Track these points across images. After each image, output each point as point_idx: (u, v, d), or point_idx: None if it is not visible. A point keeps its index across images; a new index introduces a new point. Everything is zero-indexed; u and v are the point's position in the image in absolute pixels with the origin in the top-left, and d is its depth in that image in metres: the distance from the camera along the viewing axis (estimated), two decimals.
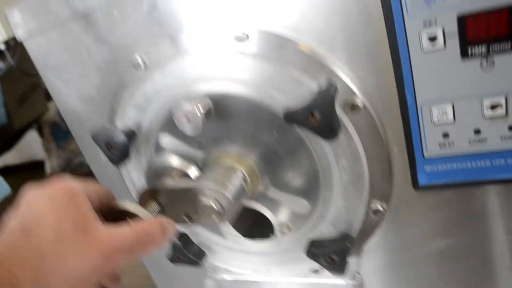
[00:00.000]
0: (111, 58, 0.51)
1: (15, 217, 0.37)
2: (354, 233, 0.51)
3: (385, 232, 0.52)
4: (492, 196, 0.47)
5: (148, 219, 0.44)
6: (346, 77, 0.44)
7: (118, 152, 0.52)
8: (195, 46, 0.47)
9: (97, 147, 0.53)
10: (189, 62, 0.47)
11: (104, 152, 0.53)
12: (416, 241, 0.52)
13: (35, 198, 0.38)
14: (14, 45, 1.76)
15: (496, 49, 0.39)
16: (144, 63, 0.49)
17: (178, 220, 0.49)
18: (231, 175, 0.49)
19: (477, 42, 0.39)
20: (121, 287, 0.46)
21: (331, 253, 0.51)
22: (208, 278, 0.65)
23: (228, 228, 0.58)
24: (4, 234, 0.36)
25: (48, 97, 2.08)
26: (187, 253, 0.58)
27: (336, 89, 0.43)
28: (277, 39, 0.44)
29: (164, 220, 0.44)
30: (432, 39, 0.40)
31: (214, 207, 0.47)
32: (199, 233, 0.60)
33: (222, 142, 0.51)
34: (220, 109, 0.48)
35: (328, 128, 0.43)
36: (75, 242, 0.36)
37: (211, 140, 0.52)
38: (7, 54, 1.75)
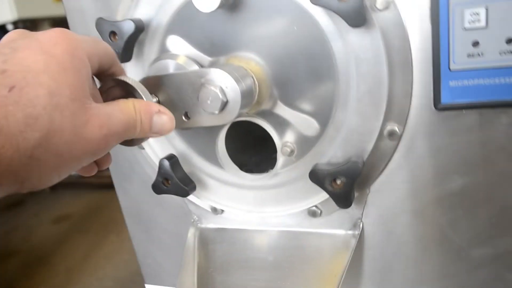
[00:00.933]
0: None
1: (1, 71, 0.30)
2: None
3: (397, 167, 0.48)
4: None
5: (147, 101, 0.40)
6: None
7: (122, 42, 0.48)
8: None
9: None
10: None
11: (107, 42, 0.49)
12: (430, 179, 0.47)
13: (28, 50, 0.31)
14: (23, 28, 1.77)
15: None
16: None
17: (176, 122, 0.44)
18: (241, 71, 0.45)
19: None
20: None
21: (338, 174, 0.46)
22: (191, 226, 0.58)
23: (224, 158, 0.53)
24: None
25: None
26: (175, 176, 0.52)
27: None
28: None
29: (161, 107, 0.39)
30: None
31: (219, 95, 0.43)
32: (190, 161, 0.54)
33: (233, 46, 0.48)
34: (238, 1, 0.46)
35: (357, 13, 0.40)
36: (72, 114, 0.31)
37: (222, 43, 0.48)
38: None
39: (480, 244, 0.48)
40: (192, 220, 0.58)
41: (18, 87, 0.28)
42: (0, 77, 0.29)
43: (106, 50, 0.39)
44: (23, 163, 0.29)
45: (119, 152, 0.58)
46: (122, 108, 0.36)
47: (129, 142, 0.40)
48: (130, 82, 0.40)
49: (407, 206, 0.49)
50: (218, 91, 0.43)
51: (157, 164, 0.53)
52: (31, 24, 1.79)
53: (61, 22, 2.06)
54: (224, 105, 0.43)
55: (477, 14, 0.41)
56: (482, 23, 0.41)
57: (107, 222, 2.31)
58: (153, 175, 0.54)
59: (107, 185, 2.54)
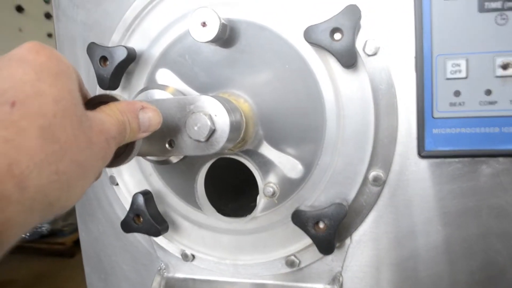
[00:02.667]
0: None
1: None
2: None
3: (380, 215, 0.47)
4: (502, 178, 0.44)
5: (128, 100, 0.38)
6: (367, 19, 0.45)
7: (112, 68, 0.48)
8: None
9: None
10: None
11: (95, 67, 0.49)
12: (413, 229, 0.46)
13: (12, 66, 0.28)
14: None
15: (510, 6, 0.42)
16: None
17: (159, 150, 0.43)
18: (231, 104, 0.45)
19: None
20: None
21: (322, 217, 0.44)
22: (157, 275, 0.53)
23: (202, 197, 0.50)
24: None
25: None
26: (148, 213, 0.49)
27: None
28: None
29: (144, 103, 0.38)
30: None
31: (208, 122, 0.42)
32: (165, 199, 0.52)
33: (223, 82, 0.49)
34: (233, 38, 0.47)
35: (348, 52, 0.42)
36: (79, 120, 0.29)
37: (212, 79, 0.49)
38: None
39: None
40: (159, 268, 0.53)
41: (19, 101, 0.26)
42: None
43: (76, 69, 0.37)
44: (50, 180, 0.26)
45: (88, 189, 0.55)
46: (108, 113, 0.34)
47: (118, 160, 0.38)
48: (112, 95, 0.39)
49: (389, 259, 0.47)
50: (207, 118, 0.42)
51: (129, 201, 0.50)
52: None
53: None
54: (212, 133, 0.42)
55: (458, 65, 0.43)
56: (463, 73, 0.43)
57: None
58: (122, 215, 0.51)
59: (58, 252, 2.36)
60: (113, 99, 0.38)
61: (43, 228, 1.69)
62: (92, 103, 0.38)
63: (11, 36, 1.63)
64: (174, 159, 0.49)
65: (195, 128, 0.42)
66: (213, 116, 0.42)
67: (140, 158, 0.51)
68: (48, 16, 1.74)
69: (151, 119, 0.38)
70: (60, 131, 0.27)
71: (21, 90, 0.27)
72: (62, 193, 0.28)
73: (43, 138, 0.26)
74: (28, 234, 1.68)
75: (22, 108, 0.26)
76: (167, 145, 0.44)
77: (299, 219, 0.45)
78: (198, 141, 0.42)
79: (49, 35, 1.73)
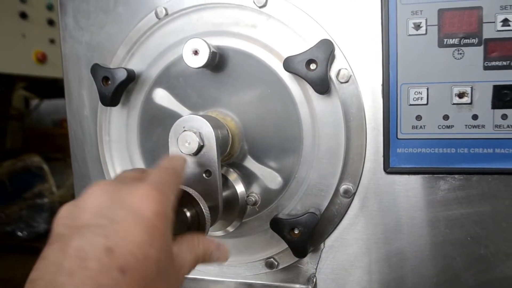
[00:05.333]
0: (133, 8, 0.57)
1: (102, 243, 0.29)
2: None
3: (350, 224, 0.52)
4: (458, 192, 0.50)
5: (208, 238, 0.42)
6: (340, 51, 0.50)
7: (113, 88, 0.54)
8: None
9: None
10: (207, 16, 0.53)
11: (98, 86, 0.54)
12: (380, 237, 0.52)
13: (127, 221, 0.31)
14: None
15: (466, 43, 0.48)
16: (166, 13, 0.55)
17: None
18: (218, 122, 0.51)
19: (451, 34, 0.48)
20: None
21: (296, 224, 0.50)
22: None
23: None
24: (92, 270, 0.27)
25: (2, 157, 2.00)
26: None
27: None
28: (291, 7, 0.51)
29: (219, 241, 0.42)
30: (417, 26, 0.48)
31: (197, 138, 0.47)
32: None
33: (212, 102, 0.54)
34: (222, 63, 0.53)
35: (321, 81, 0.48)
36: (168, 275, 0.33)
37: (203, 99, 0.54)
38: None
39: None
40: None
41: (129, 269, 0.28)
42: (107, 258, 0.28)
43: (182, 177, 0.42)
44: None
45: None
46: (191, 249, 0.38)
47: None
48: (193, 195, 0.44)
49: (358, 262, 0.53)
50: (196, 135, 0.47)
51: None
52: (6, 80, 1.83)
53: (37, 83, 2.10)
54: (200, 148, 0.48)
55: (420, 93, 0.49)
56: (424, 100, 0.49)
57: None
58: None
59: None
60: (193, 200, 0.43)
61: (40, 227, 1.75)
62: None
63: (15, 41, 1.68)
64: None
65: (186, 144, 0.48)
66: (201, 132, 0.48)
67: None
68: (51, 22, 1.79)
69: (220, 257, 0.41)
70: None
71: (133, 255, 0.29)
72: None
73: None
74: (25, 233, 1.74)
75: (130, 276, 0.28)
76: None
77: (276, 225, 0.50)
78: (189, 155, 0.48)
79: (52, 41, 1.79)
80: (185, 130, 0.48)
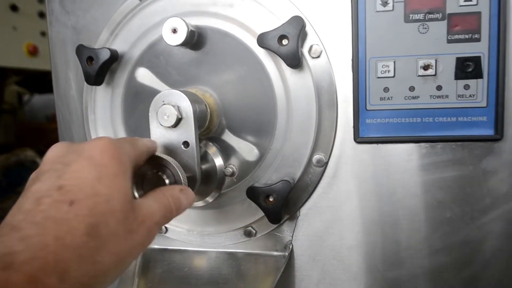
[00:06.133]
0: None
1: (55, 183, 0.32)
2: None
3: (324, 192, 0.55)
4: (423, 160, 0.53)
5: (170, 186, 0.44)
6: (312, 28, 0.53)
7: (97, 67, 0.56)
8: None
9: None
10: None
11: (83, 66, 0.57)
12: (352, 205, 0.55)
13: (79, 163, 0.34)
14: None
15: (430, 18, 0.50)
16: None
17: None
18: (196, 97, 0.53)
19: (417, 10, 0.51)
20: None
21: (271, 192, 0.52)
22: None
23: None
24: (44, 204, 0.30)
25: None
26: None
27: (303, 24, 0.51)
28: None
29: (182, 186, 0.44)
30: (384, 3, 0.51)
31: (175, 111, 0.50)
32: None
33: (192, 80, 0.57)
34: (200, 42, 0.55)
35: (293, 55, 0.50)
36: (126, 218, 0.34)
37: (183, 77, 0.57)
38: None
39: (394, 266, 0.55)
40: None
41: (77, 201, 0.31)
42: (58, 193, 0.31)
43: (142, 150, 0.43)
44: (88, 270, 0.30)
45: None
46: (156, 198, 0.39)
47: None
48: (169, 161, 0.46)
49: (332, 229, 0.56)
50: (174, 108, 0.50)
51: None
52: None
53: (29, 78, 2.12)
54: (179, 121, 0.50)
55: (387, 66, 0.52)
56: (391, 73, 0.52)
57: None
58: None
59: None
60: (167, 163, 0.46)
61: None
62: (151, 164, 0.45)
63: (6, 34, 1.70)
64: None
65: (165, 117, 0.50)
66: (180, 106, 0.50)
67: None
68: (41, 15, 1.80)
69: (188, 199, 0.43)
70: (104, 227, 0.31)
71: (80, 189, 0.31)
72: (97, 279, 0.31)
73: (88, 235, 0.30)
74: None
75: (78, 207, 0.30)
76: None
77: (252, 194, 0.53)
78: (168, 128, 0.51)
79: (43, 34, 1.80)
80: (164, 104, 0.50)
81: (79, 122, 0.62)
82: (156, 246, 0.61)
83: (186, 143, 0.51)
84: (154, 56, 0.58)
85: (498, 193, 0.51)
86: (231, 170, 0.56)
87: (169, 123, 0.50)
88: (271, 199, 0.53)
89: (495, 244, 0.52)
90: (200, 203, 0.56)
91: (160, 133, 0.51)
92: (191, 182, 0.50)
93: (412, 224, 0.54)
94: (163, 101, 0.50)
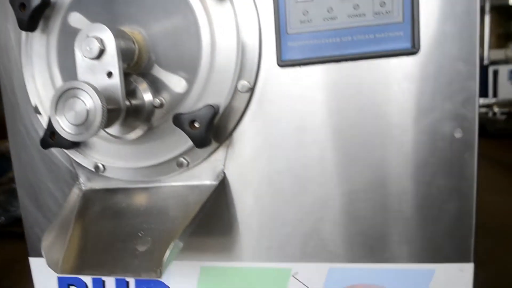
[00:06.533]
0: None
1: None
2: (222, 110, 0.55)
3: (251, 119, 0.56)
4: (348, 79, 0.53)
5: None
6: None
7: (29, 13, 0.58)
8: None
9: None
10: None
11: (16, 12, 0.58)
12: (281, 130, 0.55)
13: None
14: None
15: None
16: None
17: None
18: (123, 33, 0.55)
19: None
20: None
21: (195, 117, 0.53)
22: (75, 188, 0.62)
23: None
24: None
25: None
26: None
27: None
28: None
29: None
30: None
31: (97, 43, 0.51)
32: None
33: (122, 19, 0.58)
34: None
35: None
36: None
37: (114, 17, 0.58)
38: None
39: (325, 187, 0.55)
40: (77, 183, 0.62)
41: None
42: None
43: None
44: None
45: (17, 120, 0.64)
46: None
47: None
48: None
49: (262, 155, 0.56)
50: (97, 41, 0.51)
51: None
52: None
53: None
54: (102, 52, 0.52)
55: None
56: None
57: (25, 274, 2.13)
58: None
59: None
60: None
61: (17, 211, 1.77)
62: None
63: None
64: None
65: (88, 48, 0.52)
66: (102, 38, 0.52)
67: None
68: None
69: None
70: None
71: None
72: None
73: None
74: (2, 218, 1.76)
75: None
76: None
77: (178, 121, 0.54)
78: (92, 58, 0.52)
79: None
80: (87, 37, 0.52)
81: (18, 69, 0.64)
82: (96, 187, 0.62)
83: (110, 74, 0.52)
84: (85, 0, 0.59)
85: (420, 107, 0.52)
86: (159, 101, 0.56)
87: (92, 54, 0.52)
88: (196, 125, 0.53)
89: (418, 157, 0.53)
90: (132, 135, 0.57)
91: (86, 65, 0.53)
92: (116, 112, 0.51)
93: (338, 142, 0.54)
94: (87, 35, 0.52)
